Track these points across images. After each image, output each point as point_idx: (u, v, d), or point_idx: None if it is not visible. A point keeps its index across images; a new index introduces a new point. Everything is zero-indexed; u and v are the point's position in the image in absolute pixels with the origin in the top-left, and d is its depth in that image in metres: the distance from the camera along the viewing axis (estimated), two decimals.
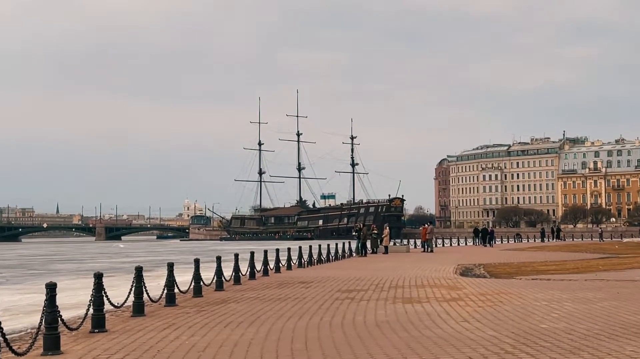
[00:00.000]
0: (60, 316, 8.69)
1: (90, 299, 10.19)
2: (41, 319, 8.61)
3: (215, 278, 17.20)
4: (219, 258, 17.53)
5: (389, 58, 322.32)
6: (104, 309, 10.42)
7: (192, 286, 15.60)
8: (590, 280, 18.86)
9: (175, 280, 13.90)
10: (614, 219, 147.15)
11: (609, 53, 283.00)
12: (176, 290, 14.09)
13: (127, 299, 12.07)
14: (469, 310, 11.86)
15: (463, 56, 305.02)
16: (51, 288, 8.57)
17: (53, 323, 8.50)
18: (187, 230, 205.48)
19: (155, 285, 21.40)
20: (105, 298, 10.39)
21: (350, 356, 7.78)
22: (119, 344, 9.01)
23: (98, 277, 10.24)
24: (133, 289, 12.03)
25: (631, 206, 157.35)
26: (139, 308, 12.01)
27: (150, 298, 12.99)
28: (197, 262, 15.70)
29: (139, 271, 12.08)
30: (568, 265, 27.28)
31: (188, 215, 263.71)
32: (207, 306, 13.23)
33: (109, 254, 78.00)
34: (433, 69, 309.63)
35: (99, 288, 10.24)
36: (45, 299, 8.52)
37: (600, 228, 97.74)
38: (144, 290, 12.13)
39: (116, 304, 11.41)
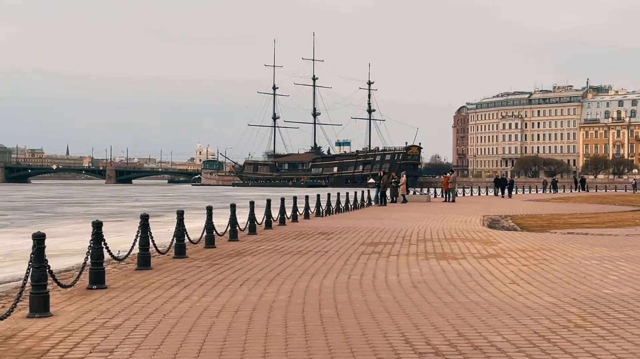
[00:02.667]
0: (51, 271, 7.47)
1: (88, 252, 8.95)
2: (26, 276, 7.37)
3: (229, 227, 15.95)
4: (233, 206, 16.24)
5: (409, 1, 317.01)
6: (104, 262, 9.19)
7: (204, 236, 14.35)
8: (632, 235, 17.60)
9: (185, 229, 12.63)
10: (636, 170, 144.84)
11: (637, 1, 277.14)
12: (187, 240, 12.84)
13: (131, 250, 10.86)
14: (514, 269, 10.58)
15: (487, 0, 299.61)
16: (39, 240, 7.31)
17: (41, 280, 7.27)
18: (199, 175, 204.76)
19: (165, 232, 20.37)
20: (105, 250, 9.17)
21: (393, 327, 6.51)
22: (119, 305, 7.77)
23: (97, 226, 8.99)
24: (138, 239, 10.78)
25: None
26: (144, 261, 10.77)
27: (158, 249, 11.77)
28: (209, 210, 14.43)
29: (144, 220, 10.82)
30: (601, 217, 25.99)
31: (200, 160, 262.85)
32: (220, 259, 12.00)
33: (118, 197, 77.17)
34: (455, 14, 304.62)
35: (97, 238, 9.00)
36: (32, 253, 7.28)
37: (635, 178, 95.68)
38: (150, 240, 10.87)
39: (118, 255, 10.21)
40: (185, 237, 12.69)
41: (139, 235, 10.76)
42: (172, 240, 12.62)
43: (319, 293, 8.45)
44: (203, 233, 14.30)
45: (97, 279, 9.00)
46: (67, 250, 19.66)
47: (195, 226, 20.42)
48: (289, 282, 9.31)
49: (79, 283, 8.84)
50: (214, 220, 14.59)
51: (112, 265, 11.23)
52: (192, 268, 10.82)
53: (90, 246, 8.97)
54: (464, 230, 18.93)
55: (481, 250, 13.58)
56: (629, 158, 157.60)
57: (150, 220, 11.25)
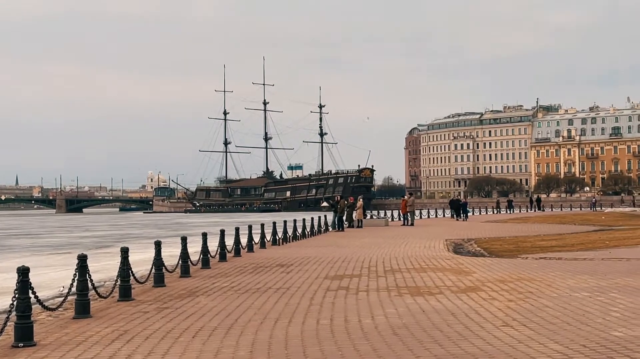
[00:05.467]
0: None
1: (11, 305, 7.59)
2: None
3: (180, 261, 14.60)
4: (184, 239, 14.90)
5: (359, 25, 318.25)
6: (31, 314, 7.84)
7: (152, 273, 12.98)
8: (608, 259, 16.69)
9: (131, 269, 11.26)
10: (587, 188, 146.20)
11: (584, 21, 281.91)
12: (134, 280, 11.47)
13: (67, 296, 9.51)
14: (501, 306, 9.46)
15: (436, 23, 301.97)
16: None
17: None
18: (150, 202, 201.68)
19: (114, 264, 18.95)
20: (34, 299, 7.83)
21: None
22: None
23: (23, 273, 7.64)
24: (76, 283, 9.42)
25: (605, 175, 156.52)
26: (82, 308, 9.40)
27: (99, 294, 10.41)
28: (158, 245, 13.05)
29: (82, 261, 9.45)
30: (568, 239, 25.19)
31: (152, 187, 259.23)
32: (170, 302, 10.67)
33: (68, 227, 74.82)
34: (405, 36, 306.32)
35: (23, 287, 7.65)
36: None
37: (595, 197, 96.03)
38: (89, 283, 9.52)
39: (52, 303, 8.85)
40: (131, 276, 11.32)
41: (75, 277, 9.40)
42: (116, 280, 11.26)
43: (285, 346, 7.20)
44: (151, 270, 12.93)
45: (25, 334, 7.63)
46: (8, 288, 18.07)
47: (145, 258, 19.03)
48: (250, 331, 8.04)
49: (3, 339, 7.48)
50: (165, 251, 13.28)
51: (46, 313, 9.85)
52: (137, 315, 9.48)
53: (15, 295, 7.62)
54: (430, 258, 17.86)
55: (457, 282, 12.46)
56: (580, 176, 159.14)
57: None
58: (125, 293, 11.03)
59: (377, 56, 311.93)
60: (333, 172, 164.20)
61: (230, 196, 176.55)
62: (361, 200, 39.95)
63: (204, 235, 16.83)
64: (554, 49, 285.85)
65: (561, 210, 77.68)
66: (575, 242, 23.45)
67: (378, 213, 53.10)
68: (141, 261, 21.85)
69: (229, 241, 19.62)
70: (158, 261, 12.82)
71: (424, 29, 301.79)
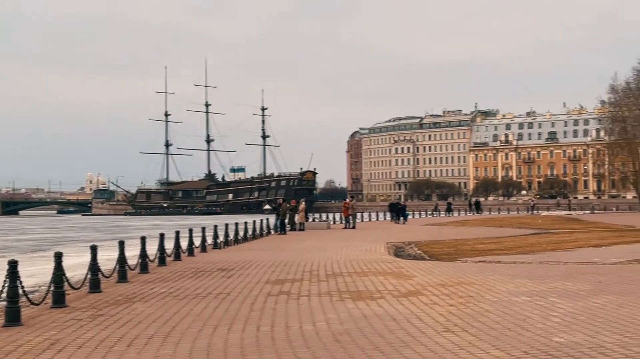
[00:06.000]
0: None
1: None
2: None
3: (117, 266, 14.26)
4: (121, 243, 14.57)
5: (301, 27, 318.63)
6: None
7: (88, 278, 12.62)
8: (546, 262, 16.89)
9: (65, 274, 10.93)
10: (524, 192, 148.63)
11: (522, 26, 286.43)
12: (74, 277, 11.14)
13: None
14: (442, 311, 9.42)
15: (377, 27, 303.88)
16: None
17: None
18: (89, 205, 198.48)
19: (50, 269, 18.45)
20: None
21: None
22: None
23: None
24: (6, 290, 9.08)
25: (541, 179, 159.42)
26: (13, 316, 9.07)
27: (30, 300, 10.07)
28: (94, 249, 12.69)
29: (12, 267, 9.12)
30: (506, 242, 25.46)
31: (91, 189, 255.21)
32: (105, 308, 10.37)
33: (4, 230, 73.10)
34: (347, 40, 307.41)
35: None
36: None
37: (533, 200, 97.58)
38: (19, 289, 9.19)
39: None
40: (66, 283, 10.99)
41: (6, 284, 9.07)
42: (50, 285, 10.92)
43: (224, 354, 7.02)
44: (87, 275, 12.59)
45: None
46: None
47: (82, 262, 18.61)
48: (188, 339, 7.83)
49: None
50: (102, 255, 12.93)
51: None
52: (71, 322, 9.18)
53: None
54: (372, 261, 17.83)
55: (398, 286, 12.42)
56: (518, 180, 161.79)
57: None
58: (59, 300, 10.69)
59: (320, 59, 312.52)
60: (276, 174, 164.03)
61: (171, 198, 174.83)
62: (303, 203, 39.88)
63: (143, 239, 16.50)
64: (493, 54, 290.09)
65: (499, 213, 78.79)
66: (514, 245, 23.70)
67: (320, 216, 53.00)
68: (77, 265, 21.37)
69: (169, 245, 19.33)
70: (94, 266, 12.49)
71: (367, 34, 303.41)
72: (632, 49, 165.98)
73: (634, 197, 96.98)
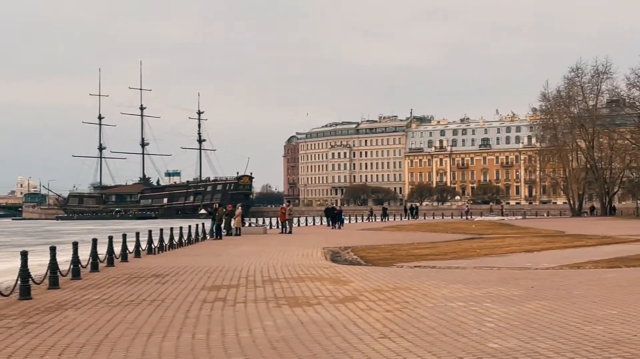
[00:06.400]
0: None
1: None
2: None
3: (48, 272, 13.93)
4: (53, 248, 14.23)
5: (238, 31, 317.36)
6: None
7: (18, 284, 12.30)
8: (479, 268, 17.16)
9: None
10: (458, 197, 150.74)
11: (457, 34, 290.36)
12: None
13: None
14: (378, 317, 9.44)
15: (316, 32, 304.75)
16: None
17: None
18: (20, 209, 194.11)
19: None
20: None
21: None
22: None
23: None
24: None
25: (475, 185, 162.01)
26: None
27: None
28: (24, 255, 12.37)
29: None
30: (441, 248, 25.71)
31: (21, 193, 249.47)
32: (36, 316, 10.11)
33: None
34: (285, 44, 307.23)
35: None
36: None
37: (467, 205, 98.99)
38: None
39: None
40: None
41: None
42: None
43: None
44: (17, 282, 12.27)
45: None
46: None
47: (11, 267, 18.19)
48: (121, 347, 7.68)
49: None
50: (33, 260, 12.62)
51: None
52: (0, 331, 8.91)
53: None
54: (309, 266, 17.82)
55: (334, 291, 12.42)
56: (452, 185, 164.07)
57: None
58: None
59: (258, 63, 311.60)
60: (212, 179, 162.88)
61: (104, 203, 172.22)
62: (240, 207, 39.71)
63: (75, 244, 16.17)
64: (428, 61, 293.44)
65: (433, 218, 79.67)
66: (448, 251, 23.95)
67: (257, 221, 52.92)
68: (7, 271, 20.92)
69: (102, 250, 18.98)
70: (24, 272, 12.19)
71: (306, 39, 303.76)
72: (564, 58, 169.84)
73: (564, 203, 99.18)
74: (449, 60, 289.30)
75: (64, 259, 15.51)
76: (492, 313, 9.59)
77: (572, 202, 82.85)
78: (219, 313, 10.07)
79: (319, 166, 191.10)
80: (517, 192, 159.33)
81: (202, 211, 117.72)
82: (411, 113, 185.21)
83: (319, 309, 10.27)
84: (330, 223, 50.58)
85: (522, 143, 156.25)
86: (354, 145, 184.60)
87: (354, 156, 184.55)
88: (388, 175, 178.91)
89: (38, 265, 17.23)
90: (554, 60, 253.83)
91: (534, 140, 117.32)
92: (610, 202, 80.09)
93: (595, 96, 79.32)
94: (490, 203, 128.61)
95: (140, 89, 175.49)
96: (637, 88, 73.53)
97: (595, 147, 78.34)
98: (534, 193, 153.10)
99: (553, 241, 28.19)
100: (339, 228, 47.96)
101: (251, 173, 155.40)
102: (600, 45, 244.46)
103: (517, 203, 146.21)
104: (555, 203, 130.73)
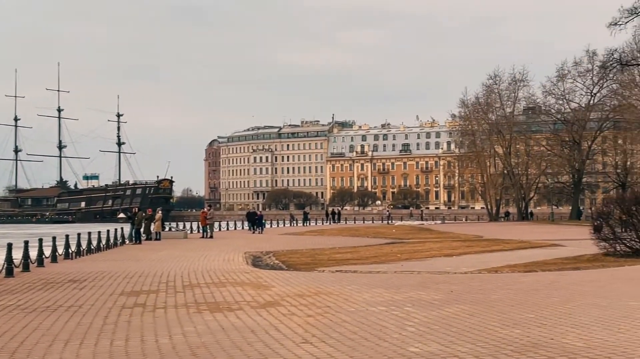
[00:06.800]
0: None
1: None
2: None
3: None
4: None
5: (160, 33, 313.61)
6: None
7: None
8: (400, 272, 17.29)
9: None
10: (379, 202, 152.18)
11: (378, 40, 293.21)
12: None
13: None
14: (300, 322, 9.44)
15: (239, 36, 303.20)
16: None
17: None
18: None
19: None
20: None
21: None
22: None
23: None
24: None
25: (395, 190, 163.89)
26: None
27: None
28: None
29: None
30: (362, 252, 25.87)
31: None
32: None
33: None
34: (208, 48, 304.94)
35: None
36: None
37: (388, 210, 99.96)
38: None
39: None
40: None
41: None
42: None
43: None
44: None
45: None
46: None
47: None
48: (36, 354, 7.48)
49: None
50: None
51: None
52: None
53: None
54: (230, 271, 17.70)
55: (256, 296, 12.37)
56: (373, 190, 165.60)
57: None
58: None
59: (180, 67, 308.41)
60: (131, 182, 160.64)
61: (20, 206, 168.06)
62: (160, 211, 39.20)
63: None
64: (350, 66, 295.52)
65: (354, 222, 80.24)
66: (369, 255, 24.11)
67: (177, 225, 52.28)
68: None
69: (17, 255, 18.46)
70: None
71: (229, 43, 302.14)
72: (483, 65, 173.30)
73: (482, 208, 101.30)
74: (371, 65, 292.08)
75: None
76: (413, 317, 9.70)
77: (489, 207, 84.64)
78: (138, 319, 9.91)
79: (240, 170, 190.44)
80: (437, 197, 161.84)
81: (121, 215, 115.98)
82: (333, 118, 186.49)
83: (240, 315, 10.20)
84: (251, 227, 50.44)
85: (442, 148, 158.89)
86: (276, 149, 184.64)
87: (276, 160, 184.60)
88: (310, 179, 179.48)
89: None
90: (473, 67, 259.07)
91: (453, 146, 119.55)
92: (526, 207, 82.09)
93: (513, 103, 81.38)
94: (411, 208, 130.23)
95: (58, 90, 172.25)
96: (553, 96, 75.96)
97: (512, 153, 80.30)
98: (452, 198, 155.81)
99: (471, 246, 28.69)
100: (260, 232, 47.87)
101: (172, 177, 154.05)
102: (518, 53, 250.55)
103: (436, 207, 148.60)
104: (473, 208, 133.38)
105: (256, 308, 10.93)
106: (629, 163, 75.78)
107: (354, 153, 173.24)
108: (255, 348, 7.70)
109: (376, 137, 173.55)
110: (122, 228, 35.00)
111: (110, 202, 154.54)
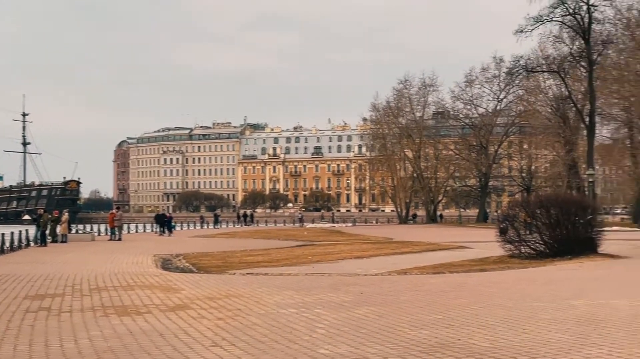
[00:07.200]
0: None
1: None
2: None
3: None
4: None
5: (70, 32, 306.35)
6: None
7: None
8: (311, 274, 17.37)
9: None
10: (291, 204, 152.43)
11: (290, 42, 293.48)
12: None
13: None
14: (210, 325, 9.34)
15: (150, 36, 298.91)
16: None
17: None
18: None
19: None
20: None
21: None
22: None
23: None
24: None
25: (307, 192, 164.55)
26: None
27: None
28: None
29: None
30: (274, 254, 25.88)
31: None
32: None
33: None
34: (118, 48, 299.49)
35: None
36: None
37: (300, 212, 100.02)
38: None
39: None
40: None
41: None
42: None
43: None
44: None
45: None
46: None
47: None
48: None
49: None
50: None
51: None
52: None
53: None
54: (139, 274, 17.41)
55: (165, 299, 12.19)
56: (285, 192, 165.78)
57: None
58: None
59: (89, 66, 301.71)
60: (37, 183, 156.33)
61: None
62: (67, 213, 38.29)
63: None
64: (263, 68, 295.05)
65: (266, 225, 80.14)
66: (281, 257, 24.12)
67: (84, 227, 51.22)
68: None
69: None
70: None
71: (141, 43, 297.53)
72: (394, 69, 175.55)
73: (392, 210, 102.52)
74: (284, 67, 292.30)
75: None
76: (323, 319, 9.73)
77: (399, 210, 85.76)
78: (43, 323, 9.64)
79: (150, 171, 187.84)
80: (348, 200, 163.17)
81: (26, 217, 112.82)
82: (245, 120, 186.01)
83: (148, 318, 10.04)
84: (160, 229, 49.80)
85: (353, 152, 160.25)
86: (187, 151, 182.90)
87: (187, 162, 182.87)
88: (221, 181, 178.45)
89: None
90: (385, 71, 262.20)
91: (364, 149, 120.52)
92: (435, 210, 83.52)
93: (422, 108, 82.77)
94: (322, 211, 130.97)
95: None
96: (461, 101, 77.62)
97: (422, 157, 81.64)
98: (363, 201, 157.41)
99: (382, 248, 29.01)
100: (169, 235, 47.33)
101: (79, 178, 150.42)
102: (427, 58, 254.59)
103: (347, 210, 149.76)
104: (383, 210, 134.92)
105: (165, 311, 10.77)
106: (533, 167, 78.02)
107: (266, 155, 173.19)
108: (163, 352, 7.59)
109: (288, 140, 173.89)
110: (27, 230, 34.08)
111: (14, 203, 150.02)
